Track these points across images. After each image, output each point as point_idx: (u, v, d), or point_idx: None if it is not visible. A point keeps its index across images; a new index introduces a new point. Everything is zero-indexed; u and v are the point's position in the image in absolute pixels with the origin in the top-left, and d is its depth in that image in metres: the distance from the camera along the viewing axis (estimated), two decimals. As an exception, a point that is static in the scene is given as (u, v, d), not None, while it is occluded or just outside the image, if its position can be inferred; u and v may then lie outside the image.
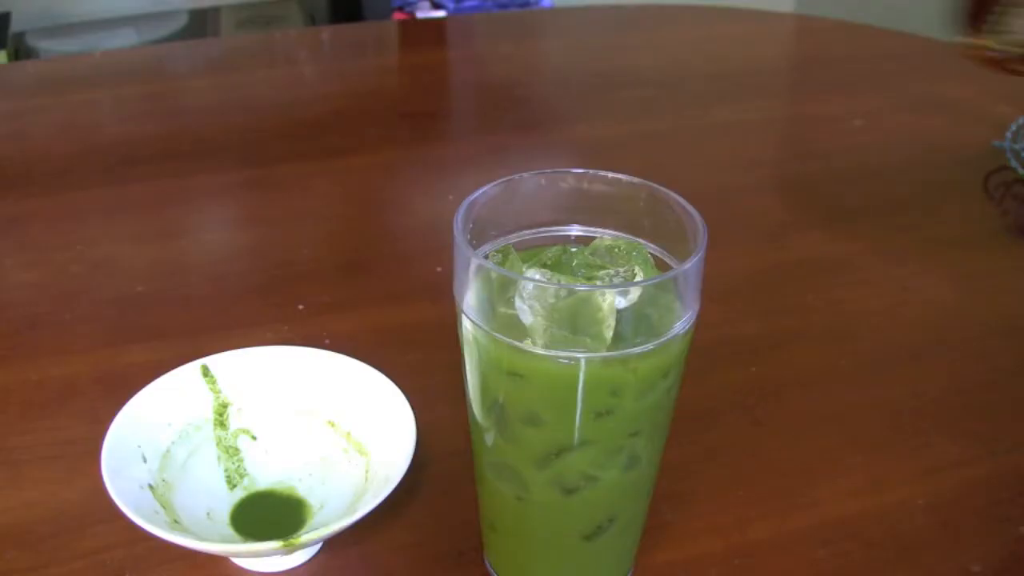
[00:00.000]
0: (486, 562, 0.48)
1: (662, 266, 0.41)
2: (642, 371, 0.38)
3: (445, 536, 0.50)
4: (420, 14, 1.93)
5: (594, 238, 0.42)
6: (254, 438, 0.52)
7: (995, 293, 0.70)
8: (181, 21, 1.89)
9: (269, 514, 0.50)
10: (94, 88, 1.03)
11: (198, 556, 0.48)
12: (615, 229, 0.42)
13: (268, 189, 0.83)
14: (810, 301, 0.69)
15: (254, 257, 0.74)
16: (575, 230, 0.43)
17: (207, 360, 0.52)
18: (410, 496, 0.51)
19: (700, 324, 0.39)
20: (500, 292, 0.38)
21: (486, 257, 0.40)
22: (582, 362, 0.37)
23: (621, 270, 0.39)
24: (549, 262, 0.40)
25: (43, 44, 1.76)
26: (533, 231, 0.42)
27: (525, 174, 0.42)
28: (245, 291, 0.69)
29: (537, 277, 0.38)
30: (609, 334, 0.36)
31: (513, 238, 0.42)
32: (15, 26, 1.77)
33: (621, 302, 0.37)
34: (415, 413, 0.49)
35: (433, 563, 0.48)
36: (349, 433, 0.51)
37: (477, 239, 0.41)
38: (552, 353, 0.37)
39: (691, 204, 0.40)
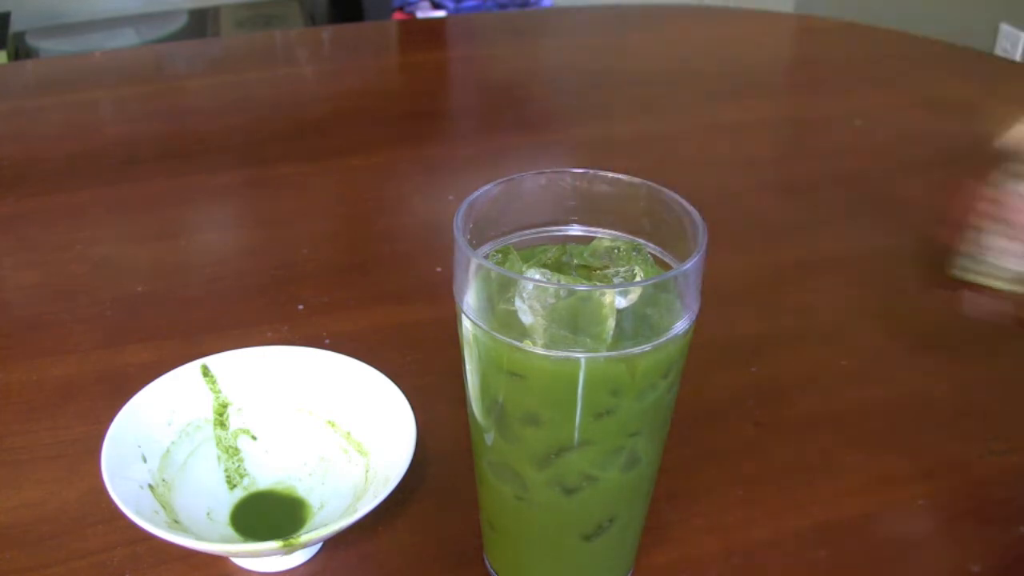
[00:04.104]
0: (486, 562, 0.48)
1: (662, 266, 0.41)
2: (642, 371, 0.38)
3: (445, 536, 0.50)
4: (420, 14, 1.93)
5: (594, 238, 0.42)
6: (254, 438, 0.52)
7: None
8: (181, 21, 1.89)
9: (269, 514, 0.50)
10: (94, 88, 1.03)
11: (198, 556, 0.48)
12: (615, 229, 0.42)
13: (268, 189, 0.83)
14: (810, 301, 0.69)
15: (254, 257, 0.74)
16: (575, 230, 0.43)
17: (207, 360, 0.52)
18: (410, 496, 0.51)
19: (700, 324, 0.39)
20: (500, 292, 0.38)
21: (486, 257, 0.40)
22: (582, 362, 0.37)
23: (621, 270, 0.39)
24: (549, 262, 0.40)
25: (43, 44, 1.76)
26: (533, 231, 0.42)
27: (525, 174, 0.42)
28: (245, 291, 0.69)
29: (537, 277, 0.38)
30: (609, 334, 0.36)
31: (513, 238, 0.42)
32: (15, 26, 1.77)
33: (621, 302, 0.37)
34: (415, 413, 0.49)
35: (433, 563, 0.48)
36: (349, 433, 0.51)
37: (477, 239, 0.41)
38: (552, 353, 0.37)
39: (691, 204, 0.40)
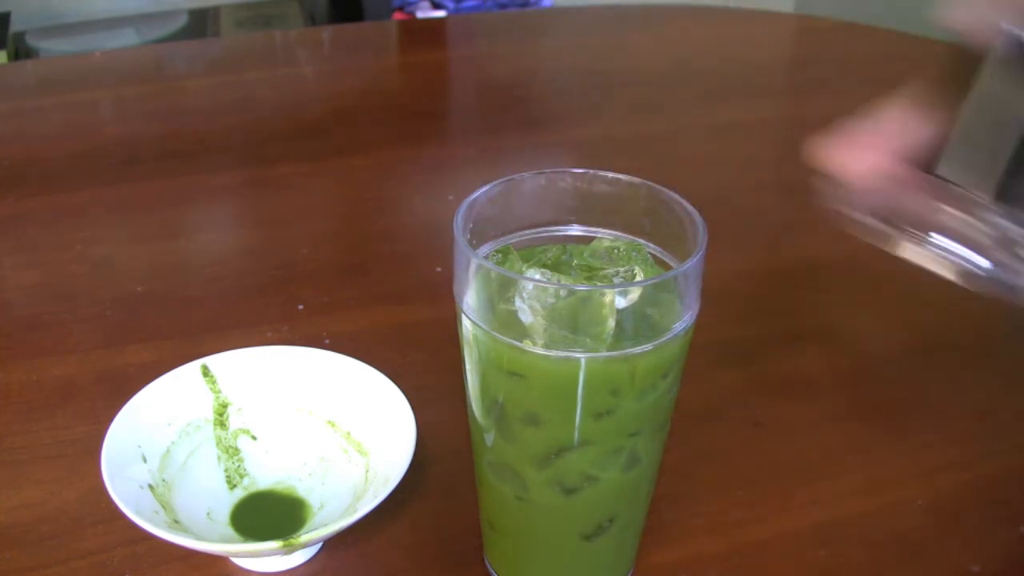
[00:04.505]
0: (486, 562, 0.48)
1: (662, 266, 0.41)
2: (642, 371, 0.38)
3: (445, 536, 0.50)
4: (420, 14, 1.93)
5: (594, 238, 0.42)
6: (254, 438, 0.52)
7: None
8: (181, 21, 1.89)
9: (269, 514, 0.50)
10: (94, 88, 1.03)
11: (198, 556, 0.48)
12: (615, 229, 0.42)
13: (268, 189, 0.83)
14: (810, 301, 0.69)
15: (254, 257, 0.74)
16: (575, 230, 0.43)
17: (207, 360, 0.52)
18: (410, 496, 0.51)
19: (700, 324, 0.39)
20: (500, 292, 0.38)
21: (486, 257, 0.40)
22: (582, 362, 0.37)
23: (621, 270, 0.39)
24: (549, 262, 0.40)
25: (43, 44, 1.76)
26: (533, 231, 0.42)
27: (525, 174, 0.42)
28: (245, 291, 0.69)
29: (537, 277, 0.38)
30: (609, 334, 0.36)
31: (513, 238, 0.42)
32: (15, 26, 1.76)
33: (621, 302, 0.37)
34: (415, 413, 0.49)
35: (433, 563, 0.48)
36: (349, 433, 0.51)
37: (477, 239, 0.41)
38: (552, 353, 0.37)
39: (691, 204, 0.40)
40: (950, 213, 0.38)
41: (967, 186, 0.37)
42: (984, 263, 0.37)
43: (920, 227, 0.38)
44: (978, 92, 0.37)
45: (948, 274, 0.36)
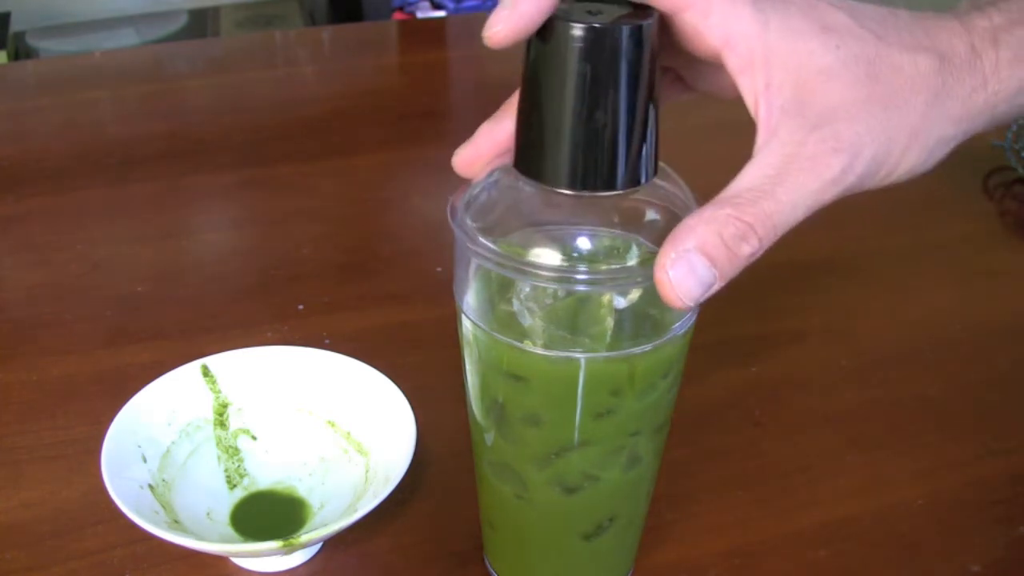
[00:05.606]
0: (486, 562, 0.48)
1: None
2: (642, 371, 0.37)
3: (445, 536, 0.50)
4: (420, 14, 1.93)
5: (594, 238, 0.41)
6: (254, 438, 0.52)
7: (995, 293, 0.70)
8: (181, 21, 1.89)
9: (269, 514, 0.50)
10: (94, 88, 1.03)
11: (198, 556, 0.48)
12: (615, 229, 0.42)
13: (268, 189, 0.83)
14: (810, 301, 0.69)
15: (254, 257, 0.74)
16: (575, 230, 0.42)
17: (207, 360, 0.52)
18: (410, 496, 0.51)
19: (700, 324, 0.39)
20: (500, 292, 0.38)
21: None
22: (582, 362, 0.37)
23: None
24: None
25: (43, 44, 1.76)
26: (533, 230, 0.42)
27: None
28: (245, 291, 0.69)
29: (539, 268, 0.38)
30: (609, 334, 0.36)
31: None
32: (15, 26, 1.76)
33: (621, 302, 0.37)
34: (415, 413, 0.49)
35: (433, 563, 0.48)
36: (349, 433, 0.51)
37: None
38: (552, 353, 0.37)
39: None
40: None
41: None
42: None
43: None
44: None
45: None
